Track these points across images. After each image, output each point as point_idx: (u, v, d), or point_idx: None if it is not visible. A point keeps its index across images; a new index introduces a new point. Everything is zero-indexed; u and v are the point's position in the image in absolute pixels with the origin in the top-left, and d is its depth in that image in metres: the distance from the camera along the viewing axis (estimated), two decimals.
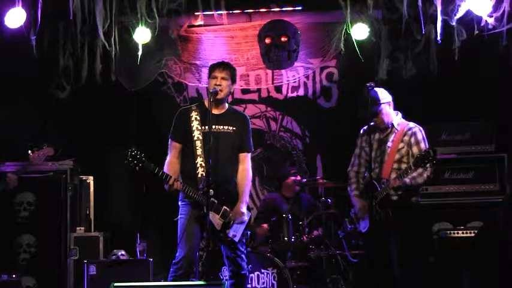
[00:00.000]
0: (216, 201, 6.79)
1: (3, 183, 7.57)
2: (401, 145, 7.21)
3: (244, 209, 6.94)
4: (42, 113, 9.69)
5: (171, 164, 6.97)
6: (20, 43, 8.91)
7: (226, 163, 6.85)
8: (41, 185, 9.15)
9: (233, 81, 7.08)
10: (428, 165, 6.92)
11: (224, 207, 6.85)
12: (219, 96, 6.92)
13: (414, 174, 7.04)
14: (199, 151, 6.88)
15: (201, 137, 6.90)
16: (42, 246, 9.10)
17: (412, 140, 7.20)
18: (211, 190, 6.64)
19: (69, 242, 9.07)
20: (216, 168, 6.72)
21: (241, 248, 6.99)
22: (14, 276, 8.55)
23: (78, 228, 9.21)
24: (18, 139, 9.11)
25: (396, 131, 7.30)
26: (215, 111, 6.93)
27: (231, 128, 6.97)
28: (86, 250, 9.00)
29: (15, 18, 8.79)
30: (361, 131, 7.46)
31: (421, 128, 7.28)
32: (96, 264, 8.64)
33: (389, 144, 7.27)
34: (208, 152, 6.70)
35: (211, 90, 6.88)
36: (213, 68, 7.06)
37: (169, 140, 7.08)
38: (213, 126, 6.81)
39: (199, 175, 6.82)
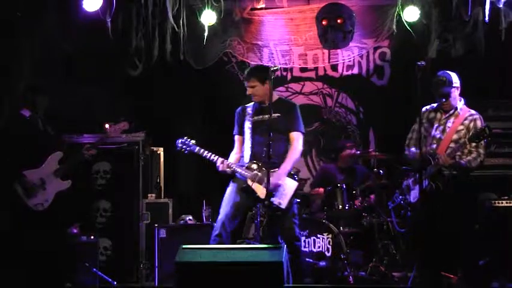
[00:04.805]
0: (259, 173, 7.00)
1: (80, 155, 7.69)
2: (460, 127, 7.20)
3: (281, 175, 7.01)
4: (117, 89, 9.78)
5: (233, 153, 7.36)
6: (96, 25, 9.01)
7: (272, 143, 6.82)
8: (116, 156, 9.25)
9: (263, 81, 7.20)
10: (483, 142, 6.91)
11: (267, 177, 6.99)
12: (256, 100, 7.27)
13: (470, 158, 7.05)
14: (248, 136, 7.20)
15: (250, 125, 7.21)
16: (117, 211, 9.22)
17: (472, 125, 7.18)
18: (254, 164, 7.04)
19: (142, 207, 9.19)
20: (263, 147, 6.96)
21: (293, 219, 7.13)
22: (92, 237, 8.70)
23: (149, 194, 9.34)
24: (95, 113, 9.24)
25: (458, 114, 7.27)
26: (264, 104, 7.23)
27: (276, 115, 7.05)
28: (156, 215, 9.12)
29: (93, 2, 8.90)
30: (424, 109, 7.35)
31: (481, 117, 7.25)
32: (166, 228, 8.77)
33: (449, 124, 7.26)
34: (252, 138, 7.14)
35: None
36: (243, 77, 7.35)
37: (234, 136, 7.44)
38: (262, 116, 7.18)
39: (248, 154, 7.18)
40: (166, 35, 9.31)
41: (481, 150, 7.09)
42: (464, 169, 7.09)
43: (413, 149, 7.43)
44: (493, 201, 8.15)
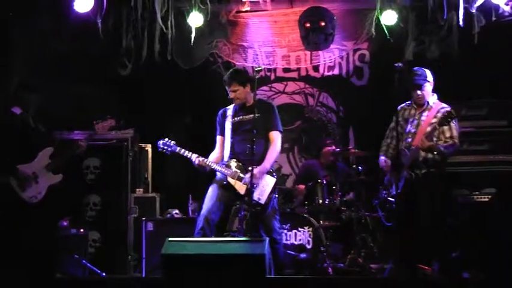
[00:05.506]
0: (238, 171, 7.15)
1: (75, 149, 7.72)
2: (433, 120, 7.35)
3: (260, 172, 7.08)
4: (107, 88, 9.81)
5: (214, 153, 7.46)
6: (87, 26, 9.05)
7: (251, 142, 6.98)
8: (106, 152, 9.30)
9: (244, 84, 7.32)
10: (452, 122, 7.10)
11: (246, 175, 7.13)
12: (237, 103, 7.35)
13: (446, 144, 7.22)
14: (228, 136, 7.31)
15: (230, 126, 7.32)
16: (106, 205, 9.28)
17: None
18: (233, 162, 7.17)
19: (130, 201, 9.26)
20: (242, 147, 7.16)
21: (273, 214, 7.22)
22: (81, 230, 8.76)
23: (137, 189, 9.40)
24: (86, 111, 9.27)
25: (431, 108, 7.42)
26: (244, 105, 7.37)
27: (256, 115, 7.10)
28: (144, 209, 9.18)
29: (84, 3, 8.96)
30: (399, 108, 7.51)
31: (453, 109, 7.35)
32: (153, 222, 8.83)
33: (423, 118, 7.43)
34: (232, 137, 7.26)
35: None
36: (224, 82, 7.38)
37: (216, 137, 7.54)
38: (242, 116, 7.31)
39: (228, 153, 7.31)
40: (155, 36, 9.37)
41: (456, 140, 7.27)
42: (442, 153, 7.23)
43: (382, 157, 7.61)
44: (466, 196, 8.26)
